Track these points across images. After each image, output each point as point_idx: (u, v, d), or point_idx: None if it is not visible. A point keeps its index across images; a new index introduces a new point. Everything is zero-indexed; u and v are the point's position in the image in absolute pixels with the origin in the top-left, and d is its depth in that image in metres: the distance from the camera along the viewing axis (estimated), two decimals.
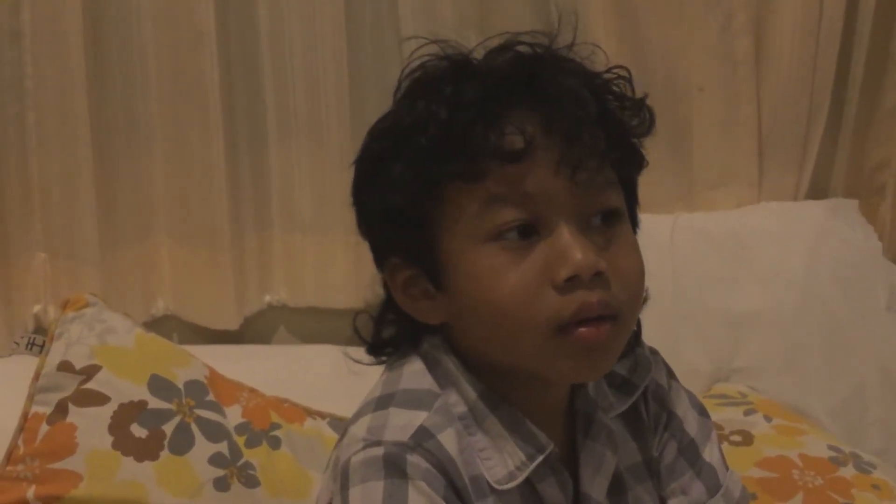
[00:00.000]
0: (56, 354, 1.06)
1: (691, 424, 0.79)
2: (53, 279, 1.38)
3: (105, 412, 1.01)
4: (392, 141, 0.69)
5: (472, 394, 0.69)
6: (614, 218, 0.68)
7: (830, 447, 1.20)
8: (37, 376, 1.05)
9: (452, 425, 0.67)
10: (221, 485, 1.02)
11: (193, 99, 1.37)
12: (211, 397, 1.08)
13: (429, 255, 0.68)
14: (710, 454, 0.78)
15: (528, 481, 0.69)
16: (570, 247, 0.64)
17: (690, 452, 0.78)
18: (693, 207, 1.54)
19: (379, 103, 1.44)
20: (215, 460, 1.03)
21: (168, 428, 1.03)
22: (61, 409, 1.01)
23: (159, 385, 1.06)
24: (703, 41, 1.51)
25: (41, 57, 1.33)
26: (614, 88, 0.70)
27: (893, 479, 1.16)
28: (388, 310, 0.74)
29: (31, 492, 0.96)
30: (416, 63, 0.70)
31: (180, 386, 1.07)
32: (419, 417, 0.67)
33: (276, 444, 1.08)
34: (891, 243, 1.64)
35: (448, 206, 0.67)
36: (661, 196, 1.52)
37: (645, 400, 0.78)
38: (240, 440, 1.06)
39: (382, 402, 0.69)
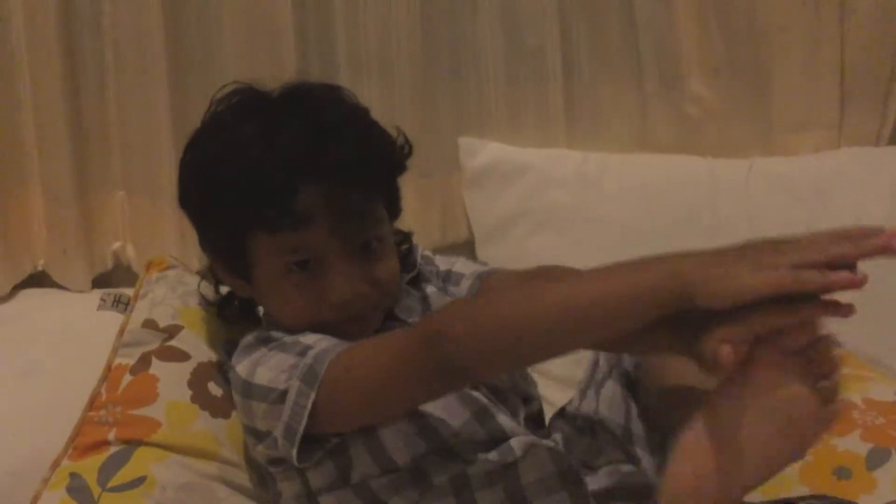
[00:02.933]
0: (141, 312, 1.09)
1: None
2: (132, 217, 1.42)
3: (185, 368, 1.04)
4: (209, 186, 0.92)
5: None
6: (377, 243, 0.92)
7: None
8: (121, 332, 1.08)
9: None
10: None
11: (266, 38, 1.37)
12: None
13: (241, 266, 0.93)
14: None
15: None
16: (338, 278, 0.89)
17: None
18: (770, 152, 1.50)
19: (450, 41, 1.45)
20: None
21: None
22: (144, 361, 1.04)
23: (232, 349, 1.08)
24: None
25: None
26: (380, 131, 0.96)
27: None
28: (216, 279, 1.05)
29: (112, 434, 0.99)
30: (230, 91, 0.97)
31: None
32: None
33: None
34: None
35: (254, 243, 0.90)
36: (738, 140, 1.49)
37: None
38: None
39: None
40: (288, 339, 0.88)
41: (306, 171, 0.87)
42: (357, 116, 0.95)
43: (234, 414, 1.03)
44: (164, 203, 1.39)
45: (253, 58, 1.38)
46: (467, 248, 1.49)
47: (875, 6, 1.47)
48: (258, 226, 0.88)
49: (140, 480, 0.95)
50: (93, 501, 0.93)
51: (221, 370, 1.05)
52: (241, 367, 0.90)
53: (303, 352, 0.85)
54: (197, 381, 1.04)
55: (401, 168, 0.97)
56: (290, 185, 0.86)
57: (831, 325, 1.32)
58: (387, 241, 0.94)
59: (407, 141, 0.98)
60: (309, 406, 0.81)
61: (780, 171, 1.45)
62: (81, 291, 1.39)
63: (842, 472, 1.05)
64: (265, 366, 0.87)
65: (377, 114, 1.47)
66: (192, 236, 1.38)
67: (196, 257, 1.42)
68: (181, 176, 0.97)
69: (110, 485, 0.95)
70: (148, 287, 1.12)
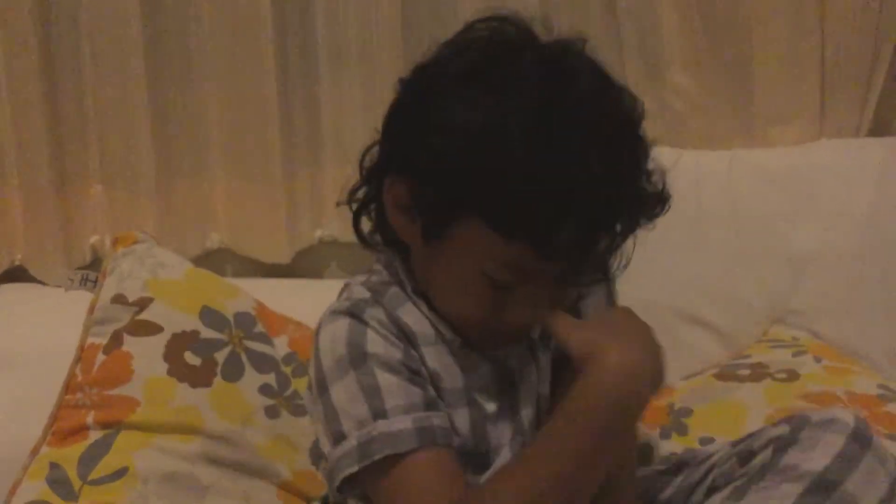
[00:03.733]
0: (109, 289, 1.07)
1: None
2: (110, 210, 1.40)
3: (159, 341, 1.03)
4: (465, 138, 0.73)
5: (414, 294, 0.82)
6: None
7: (880, 386, 1.18)
8: (91, 310, 1.06)
9: (405, 302, 0.81)
10: (272, 412, 1.04)
11: (245, 31, 1.36)
12: (259, 328, 1.10)
13: (440, 220, 0.76)
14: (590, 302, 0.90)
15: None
16: (526, 306, 0.77)
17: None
18: (752, 143, 1.50)
19: (431, 32, 1.44)
20: (265, 390, 1.05)
21: (220, 356, 1.04)
22: (116, 339, 1.02)
23: (210, 316, 1.07)
24: None
25: None
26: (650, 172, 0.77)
27: None
28: (369, 206, 0.85)
29: (90, 418, 0.98)
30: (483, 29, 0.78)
31: (230, 317, 1.08)
32: (378, 293, 0.81)
33: None
34: None
35: (470, 229, 0.74)
36: (720, 131, 1.48)
37: None
38: (287, 370, 1.08)
39: (346, 287, 0.85)
40: (379, 371, 0.77)
41: (585, 205, 0.72)
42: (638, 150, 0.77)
43: (216, 381, 1.02)
44: (143, 195, 1.38)
45: (231, 48, 1.37)
46: None
47: None
48: (499, 223, 0.73)
49: (121, 473, 0.94)
50: (73, 494, 0.92)
51: (197, 338, 1.03)
52: (326, 354, 0.78)
53: (377, 411, 0.76)
54: (172, 354, 1.02)
55: (653, 217, 0.78)
56: (568, 209, 0.71)
57: (822, 319, 1.35)
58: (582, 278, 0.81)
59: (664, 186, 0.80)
60: (347, 473, 0.76)
61: (762, 163, 1.45)
62: (59, 286, 1.37)
63: None
64: (343, 388, 0.77)
65: (359, 109, 1.48)
66: (171, 224, 1.38)
67: (176, 248, 1.41)
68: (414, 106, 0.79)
69: (91, 477, 0.93)
70: (115, 263, 1.10)
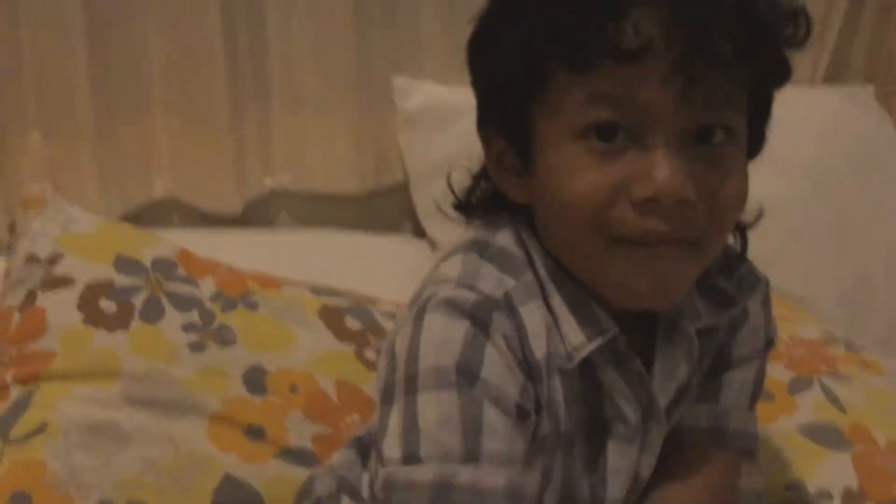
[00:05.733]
0: (21, 250, 1.05)
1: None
2: (50, 159, 1.35)
3: (72, 293, 1.01)
4: (510, 5, 0.65)
5: (543, 270, 0.68)
6: (724, 137, 0.62)
7: (824, 331, 1.20)
8: (6, 274, 1.05)
9: (534, 301, 0.67)
10: (197, 347, 1.02)
11: None
12: (181, 272, 1.08)
13: (523, 136, 0.66)
14: (736, 380, 0.77)
15: (591, 369, 0.68)
16: (658, 165, 0.60)
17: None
18: None
19: None
20: (188, 327, 1.03)
21: (137, 300, 1.03)
22: (30, 297, 1.01)
23: (125, 264, 1.05)
24: None
25: None
26: None
27: (883, 359, 1.15)
28: (484, 173, 0.72)
29: (9, 375, 0.96)
30: None
31: (147, 264, 1.06)
32: (508, 284, 0.66)
33: (252, 307, 1.07)
34: None
35: (548, 93, 0.63)
36: None
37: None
38: (214, 307, 1.06)
39: (478, 247, 0.69)
40: (488, 404, 0.62)
41: None
42: None
43: (134, 323, 1.00)
44: (83, 143, 1.33)
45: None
46: (402, 190, 1.46)
47: None
48: (565, 55, 0.60)
49: (42, 428, 0.91)
50: None
51: (112, 285, 1.01)
52: (428, 354, 0.63)
53: (470, 451, 0.61)
54: (86, 303, 1.00)
55: (799, 41, 0.65)
56: (616, 3, 0.59)
57: (773, 267, 1.35)
58: (738, 146, 0.64)
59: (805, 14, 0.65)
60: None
61: None
62: None
63: (763, 395, 1.07)
64: (437, 404, 0.62)
65: (309, 52, 1.44)
66: (114, 172, 1.33)
67: (120, 198, 1.37)
68: (482, 14, 0.69)
69: (13, 436, 0.91)
70: (26, 225, 1.08)
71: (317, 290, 1.13)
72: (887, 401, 1.07)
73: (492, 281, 0.66)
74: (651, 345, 0.71)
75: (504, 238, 0.69)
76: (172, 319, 1.03)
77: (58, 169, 1.35)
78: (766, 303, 0.79)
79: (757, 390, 0.79)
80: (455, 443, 0.62)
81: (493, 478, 0.62)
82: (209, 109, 1.36)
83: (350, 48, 1.39)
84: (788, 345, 1.15)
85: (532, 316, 0.66)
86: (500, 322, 0.64)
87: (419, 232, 1.45)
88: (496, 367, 0.63)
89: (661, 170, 0.60)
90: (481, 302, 0.64)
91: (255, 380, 1.02)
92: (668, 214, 0.61)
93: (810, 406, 1.05)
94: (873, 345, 1.23)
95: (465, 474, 0.61)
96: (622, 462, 0.71)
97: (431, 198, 1.33)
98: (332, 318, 1.09)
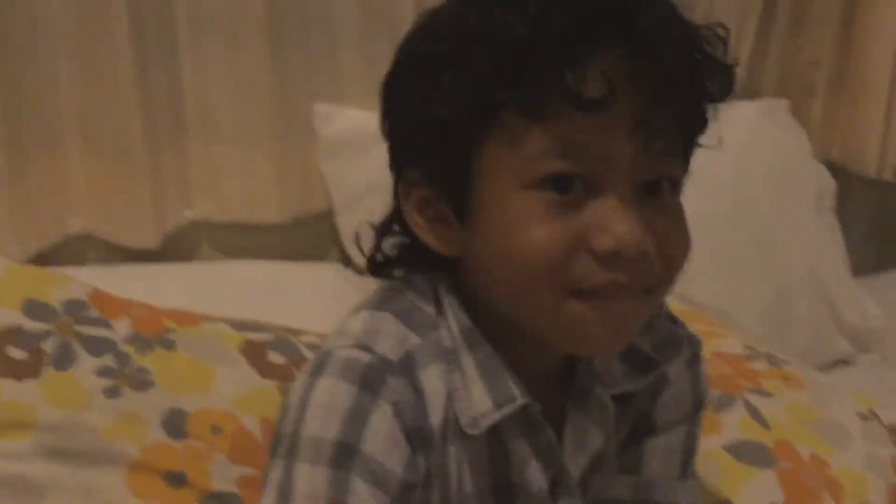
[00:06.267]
0: None
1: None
2: None
3: None
4: (452, 46, 0.60)
5: (456, 329, 0.65)
6: (670, 188, 0.62)
7: (746, 346, 1.22)
8: None
9: (439, 362, 0.64)
10: (112, 393, 0.99)
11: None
12: (93, 313, 1.04)
13: (460, 183, 0.62)
14: (659, 447, 0.75)
15: (499, 437, 0.66)
16: (619, 218, 0.58)
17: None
18: None
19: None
20: (103, 372, 1.00)
21: (48, 346, 0.99)
22: None
23: (34, 308, 1.01)
24: None
25: None
26: (706, 47, 0.61)
27: (805, 373, 1.18)
28: (392, 224, 0.70)
29: None
30: None
31: (57, 307, 1.03)
32: (411, 341, 0.64)
33: (170, 346, 1.04)
34: (820, 144, 1.65)
35: (499, 138, 0.60)
36: None
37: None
38: (129, 349, 1.03)
39: (384, 303, 0.66)
40: (359, 481, 0.60)
41: (609, 37, 0.57)
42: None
43: (45, 370, 0.96)
44: None
45: (80, 21, 1.28)
46: (327, 217, 1.44)
47: None
48: (524, 100, 0.58)
49: None
50: None
51: (20, 331, 0.97)
52: (315, 418, 0.61)
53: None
54: None
55: (728, 90, 0.63)
56: (581, 48, 0.57)
57: (693, 283, 1.37)
58: (678, 198, 0.64)
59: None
60: None
61: None
62: None
63: None
64: (309, 477, 0.61)
65: (225, 82, 1.41)
66: (25, 210, 1.28)
67: (33, 235, 1.33)
68: (405, 53, 0.65)
69: None
70: None
71: (238, 325, 1.11)
72: (808, 414, 1.09)
73: (392, 340, 0.64)
74: (563, 412, 0.69)
75: (417, 293, 0.67)
76: (85, 364, 0.99)
77: None
78: (693, 363, 0.76)
79: (687, 458, 0.75)
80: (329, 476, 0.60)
81: None
82: (123, 143, 1.33)
83: (267, 76, 1.37)
84: (711, 361, 1.16)
85: (432, 379, 0.64)
86: (392, 386, 0.62)
87: (345, 259, 1.43)
88: (378, 439, 0.61)
89: (622, 224, 0.58)
90: (374, 364, 0.62)
91: (175, 423, 0.99)
92: (629, 266, 0.59)
93: (735, 424, 1.06)
94: (794, 358, 1.25)
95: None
96: None
97: (356, 225, 1.33)
98: (255, 354, 1.07)
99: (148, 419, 0.98)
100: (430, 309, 0.66)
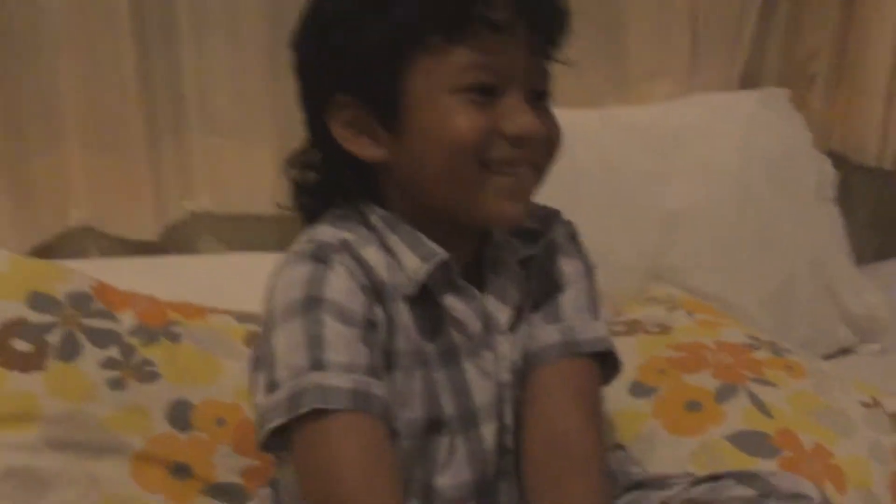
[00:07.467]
0: None
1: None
2: None
3: None
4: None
5: (379, 221, 0.81)
6: (545, 96, 0.81)
7: (748, 336, 1.22)
8: None
9: (371, 245, 0.80)
10: (117, 384, 1.00)
11: None
12: (98, 306, 1.05)
13: (391, 97, 0.77)
14: (570, 298, 0.88)
15: (432, 296, 0.80)
16: (523, 113, 0.78)
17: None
18: (625, 100, 1.51)
19: None
20: (107, 363, 1.01)
21: (52, 338, 1.00)
22: None
23: (38, 300, 1.02)
24: None
25: None
26: None
27: (807, 362, 1.18)
28: (312, 153, 0.84)
29: None
30: None
31: (61, 299, 1.03)
32: (344, 235, 0.79)
33: (175, 338, 1.05)
34: (821, 134, 1.65)
35: (426, 57, 0.76)
36: (593, 89, 1.48)
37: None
38: (134, 340, 1.03)
39: (317, 223, 0.82)
40: (331, 320, 0.73)
41: None
42: None
43: (50, 362, 0.97)
44: None
45: (83, 17, 1.28)
46: None
47: None
48: (440, 31, 0.75)
49: None
50: None
51: (25, 323, 0.98)
52: (279, 297, 0.75)
53: (315, 362, 0.73)
54: None
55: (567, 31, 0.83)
56: None
57: (696, 274, 1.37)
58: (550, 104, 0.82)
59: None
60: (275, 425, 0.73)
61: (632, 120, 1.46)
62: None
63: (692, 406, 1.08)
64: (287, 333, 0.74)
65: (225, 76, 1.42)
66: (27, 203, 1.28)
67: (34, 228, 1.32)
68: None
69: None
70: None
71: (242, 318, 1.11)
72: (811, 403, 1.09)
73: (329, 235, 0.79)
74: (480, 278, 0.85)
75: (340, 212, 0.82)
76: (90, 356, 1.00)
77: None
78: (574, 238, 0.92)
79: (593, 303, 0.90)
80: (302, 360, 0.72)
81: (336, 379, 0.72)
82: (124, 136, 1.33)
83: (266, 70, 1.37)
84: (714, 351, 1.16)
85: (370, 254, 0.79)
86: (340, 259, 0.76)
87: None
88: (340, 285, 0.75)
89: (525, 115, 0.78)
90: (322, 246, 0.77)
91: (180, 415, 1.00)
92: (528, 146, 0.78)
93: (738, 414, 1.06)
94: (796, 347, 1.25)
95: (312, 378, 0.72)
96: (479, 375, 0.82)
97: None
98: None
99: (153, 410, 0.99)
100: (354, 214, 0.82)
